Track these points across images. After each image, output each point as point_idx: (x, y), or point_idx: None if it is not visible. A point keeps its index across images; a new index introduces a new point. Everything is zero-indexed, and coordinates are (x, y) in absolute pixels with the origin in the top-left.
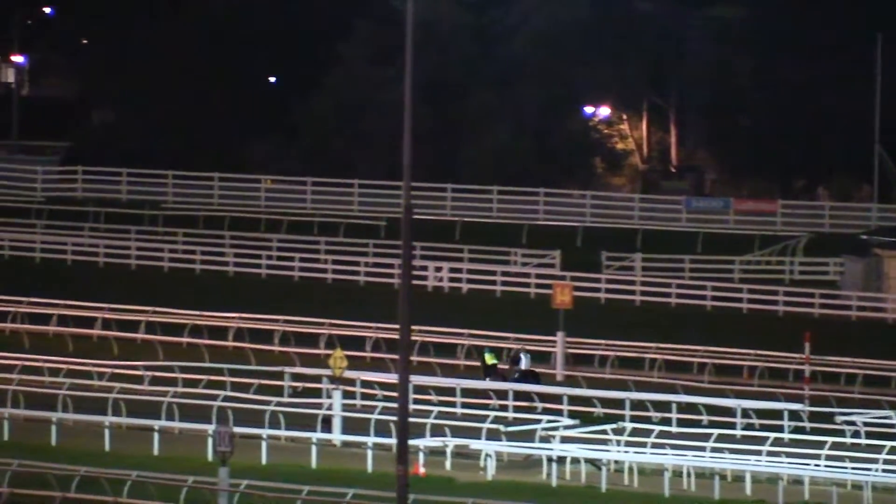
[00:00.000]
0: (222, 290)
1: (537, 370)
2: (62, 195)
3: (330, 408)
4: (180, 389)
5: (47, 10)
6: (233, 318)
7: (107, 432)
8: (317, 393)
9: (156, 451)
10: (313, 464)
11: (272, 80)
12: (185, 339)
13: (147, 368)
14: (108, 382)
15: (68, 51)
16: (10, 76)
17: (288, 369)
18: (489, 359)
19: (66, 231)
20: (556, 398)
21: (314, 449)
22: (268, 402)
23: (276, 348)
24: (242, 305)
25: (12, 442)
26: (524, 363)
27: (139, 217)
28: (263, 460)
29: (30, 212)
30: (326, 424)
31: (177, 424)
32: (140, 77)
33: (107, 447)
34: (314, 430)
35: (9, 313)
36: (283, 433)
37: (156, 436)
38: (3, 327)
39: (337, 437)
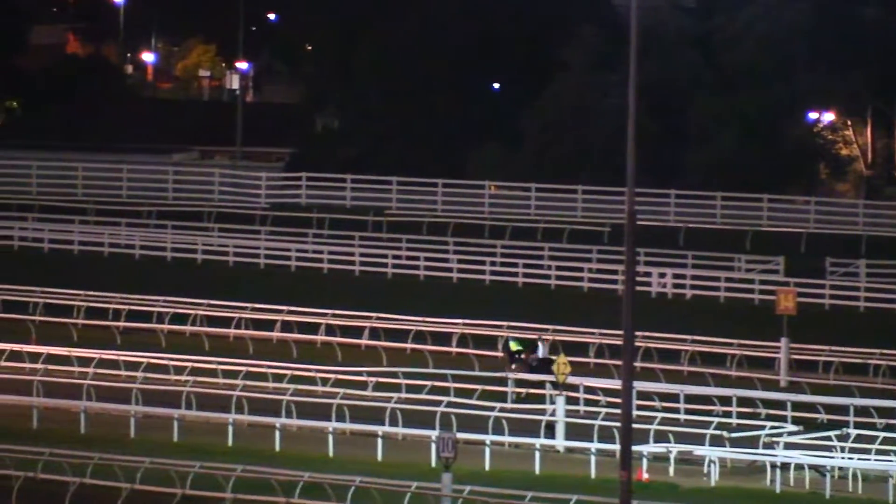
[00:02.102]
0: (446, 296)
1: (553, 358)
2: (286, 201)
3: (553, 414)
4: (404, 395)
5: (271, 17)
6: (456, 323)
7: (330, 438)
8: (540, 399)
9: (379, 457)
10: (536, 470)
11: (496, 86)
12: (408, 345)
13: (371, 374)
14: (331, 388)
15: (292, 57)
16: (235, 83)
17: (511, 375)
18: (514, 346)
19: (289, 237)
20: (780, 404)
21: (537, 455)
22: (491, 408)
23: (500, 354)
24: (466, 311)
25: (236, 447)
26: (541, 351)
27: (363, 223)
28: (486, 466)
29: (254, 218)
30: (550, 430)
31: (400, 430)
32: (364, 83)
33: (330, 453)
34: (537, 436)
35: (233, 319)
36: (506, 439)
37: (379, 441)
38: (227, 333)
39: (560, 442)
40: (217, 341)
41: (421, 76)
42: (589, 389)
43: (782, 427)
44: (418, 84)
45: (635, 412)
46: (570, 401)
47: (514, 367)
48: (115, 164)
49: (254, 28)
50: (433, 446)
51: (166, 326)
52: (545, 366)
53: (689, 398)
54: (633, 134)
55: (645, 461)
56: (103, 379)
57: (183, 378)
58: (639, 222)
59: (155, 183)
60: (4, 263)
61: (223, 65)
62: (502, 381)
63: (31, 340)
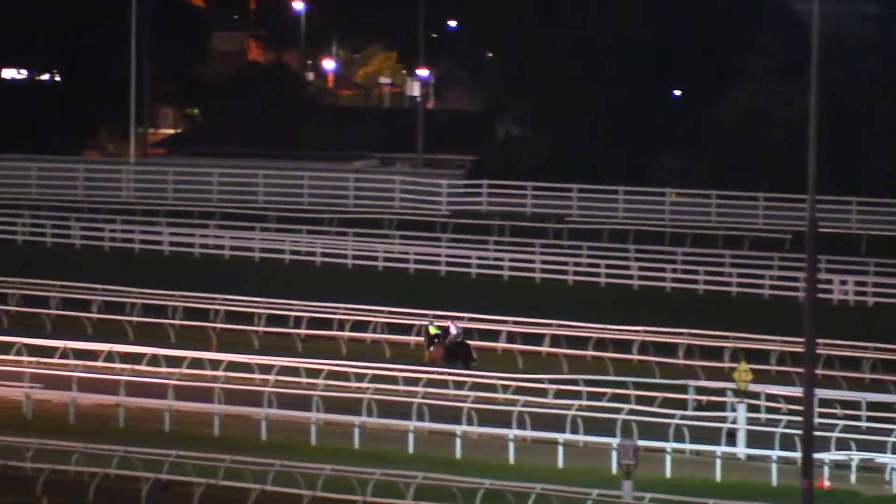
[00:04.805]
0: (626, 303)
1: (468, 342)
2: (467, 209)
3: (734, 421)
4: (585, 403)
5: (452, 24)
6: (637, 331)
7: (511, 445)
8: (721, 406)
9: (560, 464)
10: (717, 477)
11: (676, 93)
12: (589, 353)
13: (551, 381)
14: (512, 395)
15: (472, 64)
16: (416, 90)
17: (692, 382)
18: (432, 330)
19: (470, 244)
20: None
21: (718, 462)
22: (672, 416)
23: (681, 361)
24: (646, 319)
25: (417, 454)
26: (454, 332)
27: (543, 230)
28: (667, 473)
29: (435, 225)
30: (731, 438)
31: (581, 437)
32: (544, 90)
33: (511, 460)
34: (718, 444)
35: (413, 326)
36: (687, 446)
37: (560, 449)
38: (408, 340)
39: (741, 450)
40: (398, 349)
41: (601, 83)
42: (770, 397)
43: None
44: (599, 91)
45: (817, 420)
46: (751, 408)
47: (431, 349)
48: (296, 172)
49: (435, 35)
50: (614, 454)
51: (347, 334)
52: (458, 347)
53: (871, 406)
54: (814, 141)
55: (826, 469)
56: (284, 386)
57: (364, 385)
58: (820, 229)
59: (336, 190)
60: (186, 270)
61: (404, 72)
62: (683, 389)
63: (211, 348)
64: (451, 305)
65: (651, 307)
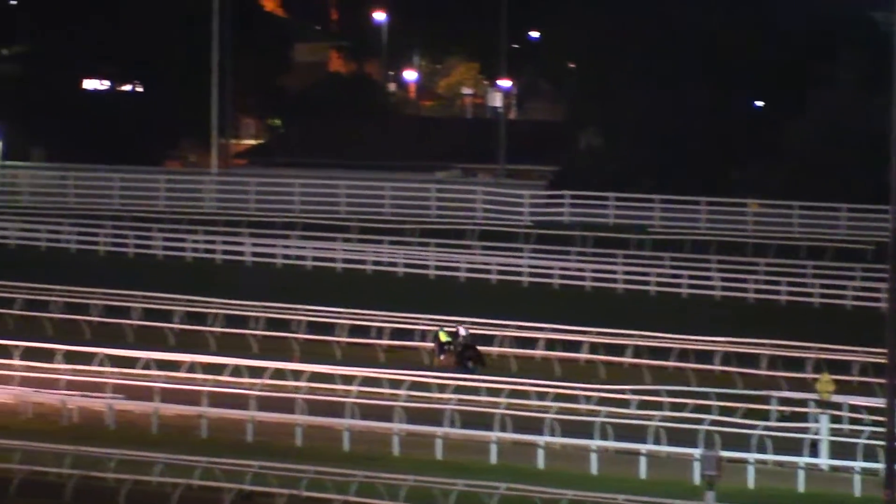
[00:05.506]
0: (708, 314)
1: (477, 346)
2: (549, 219)
3: (817, 432)
4: (667, 413)
5: (534, 35)
6: (720, 341)
7: (593, 456)
8: (804, 417)
9: (642, 475)
10: (800, 488)
11: (758, 104)
12: (671, 364)
13: (634, 392)
14: (594, 406)
15: (554, 75)
16: (497, 101)
17: (775, 393)
18: (443, 337)
19: (552, 255)
20: None
21: (801, 473)
22: (754, 427)
23: (763, 372)
24: (728, 330)
25: (501, 465)
26: (462, 335)
27: (625, 241)
28: (750, 484)
29: (517, 236)
30: (814, 449)
31: (664, 448)
32: (625, 101)
33: (594, 471)
34: (801, 455)
35: (496, 337)
36: (770, 457)
37: (642, 459)
38: (490, 351)
39: (824, 461)
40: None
41: (682, 93)
42: (853, 408)
43: None
44: (680, 101)
45: None
46: (834, 419)
47: (442, 357)
48: (377, 182)
49: (517, 46)
50: (696, 465)
51: (428, 344)
52: (467, 350)
53: None
54: None
55: None
56: (366, 397)
57: (446, 396)
58: None
59: (418, 201)
60: (268, 281)
61: (486, 83)
62: (765, 400)
63: (293, 358)
64: (532, 316)
65: (733, 318)
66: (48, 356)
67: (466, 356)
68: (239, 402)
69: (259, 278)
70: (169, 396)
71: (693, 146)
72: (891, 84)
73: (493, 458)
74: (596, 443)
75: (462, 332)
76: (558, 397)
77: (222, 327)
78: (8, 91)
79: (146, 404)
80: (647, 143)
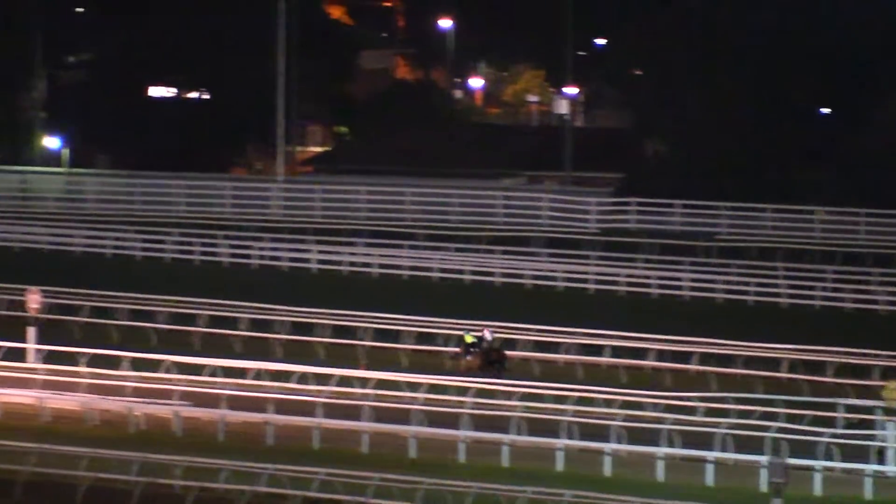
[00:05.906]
0: (775, 322)
1: (502, 350)
2: (615, 227)
3: (884, 440)
4: (734, 420)
5: (600, 42)
6: (786, 349)
7: (660, 463)
8: (871, 424)
9: (709, 482)
10: (867, 495)
11: (824, 111)
12: (738, 371)
13: (700, 399)
14: (661, 413)
15: (621, 82)
16: (564, 108)
17: (841, 400)
18: (468, 339)
19: (619, 263)
20: None
21: (868, 481)
22: (821, 434)
23: (830, 379)
24: (794, 337)
25: (567, 472)
26: (488, 337)
27: (692, 248)
28: (817, 491)
29: (583, 243)
30: (881, 456)
31: (731, 455)
32: (691, 108)
33: (660, 478)
34: (868, 462)
35: (562, 344)
36: (836, 465)
37: (709, 467)
38: (556, 359)
39: (891, 468)
40: (545, 366)
41: (749, 100)
42: None
43: None
44: (746, 108)
45: None
46: None
47: (468, 358)
48: (443, 189)
49: (583, 53)
50: (763, 472)
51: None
52: (495, 354)
53: None
54: None
55: None
56: (432, 404)
57: (512, 403)
58: None
59: (484, 208)
60: (334, 288)
61: (552, 90)
62: (832, 407)
63: (360, 366)
64: (598, 324)
65: (799, 325)
66: (115, 363)
67: (491, 359)
68: (305, 409)
69: (325, 285)
70: (235, 403)
71: (760, 153)
72: None
73: (560, 466)
74: (663, 450)
75: (488, 335)
76: (625, 405)
77: (288, 334)
78: (74, 98)
79: (213, 411)
80: (713, 149)
